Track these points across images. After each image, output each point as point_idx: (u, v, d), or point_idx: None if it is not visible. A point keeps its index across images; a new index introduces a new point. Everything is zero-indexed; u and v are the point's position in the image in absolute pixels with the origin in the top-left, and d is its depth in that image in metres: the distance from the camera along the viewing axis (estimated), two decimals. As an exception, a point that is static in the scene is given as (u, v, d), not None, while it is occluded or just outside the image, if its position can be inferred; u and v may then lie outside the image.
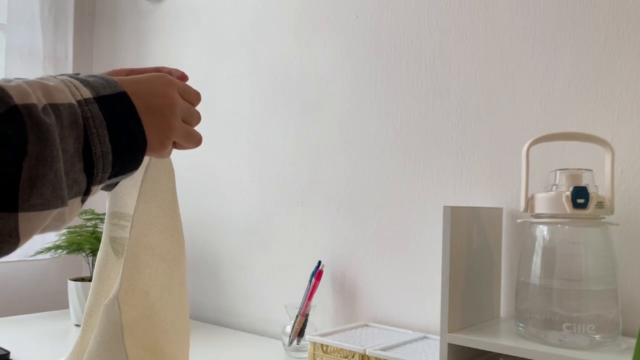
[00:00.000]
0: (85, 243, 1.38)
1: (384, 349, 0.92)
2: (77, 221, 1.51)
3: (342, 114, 1.23)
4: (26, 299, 1.70)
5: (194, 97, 0.58)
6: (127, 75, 0.58)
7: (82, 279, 1.41)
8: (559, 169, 0.80)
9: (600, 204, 0.76)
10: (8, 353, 1.08)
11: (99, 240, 1.38)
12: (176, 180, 0.70)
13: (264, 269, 1.36)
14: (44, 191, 0.39)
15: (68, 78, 0.46)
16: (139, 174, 0.65)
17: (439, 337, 0.79)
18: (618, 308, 0.76)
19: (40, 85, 0.41)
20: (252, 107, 1.41)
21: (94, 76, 0.48)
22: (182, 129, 0.55)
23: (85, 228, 1.44)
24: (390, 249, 1.14)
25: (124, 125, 0.47)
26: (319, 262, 1.17)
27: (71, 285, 1.37)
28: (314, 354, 1.00)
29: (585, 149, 0.90)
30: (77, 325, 1.37)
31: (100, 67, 1.85)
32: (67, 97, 0.43)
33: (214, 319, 1.45)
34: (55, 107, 0.41)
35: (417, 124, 1.11)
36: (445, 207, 0.80)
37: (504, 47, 1.01)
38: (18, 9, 1.64)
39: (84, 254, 1.42)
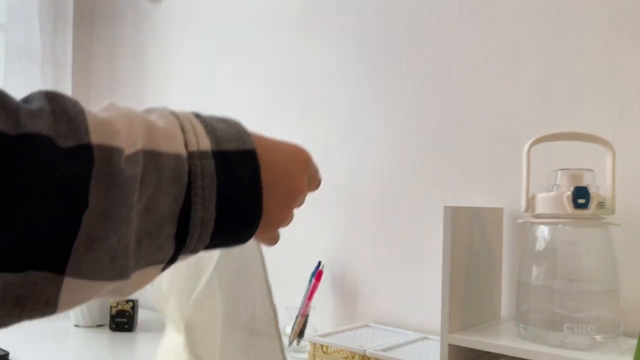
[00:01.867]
0: (84, 243, 1.37)
1: (384, 350, 0.91)
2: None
3: (342, 114, 1.23)
4: (25, 299, 1.69)
5: (315, 186, 0.47)
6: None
7: (82, 280, 1.40)
8: (560, 169, 0.80)
9: (601, 204, 0.75)
10: (7, 354, 1.08)
11: (98, 240, 1.38)
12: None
13: (264, 270, 1.35)
14: (100, 257, 0.30)
15: (193, 118, 0.37)
16: None
17: (439, 338, 0.79)
18: (619, 308, 0.76)
19: (146, 125, 0.33)
20: (252, 107, 1.41)
21: (225, 121, 0.39)
22: (291, 216, 0.44)
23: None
24: (390, 249, 1.14)
25: (240, 192, 0.37)
26: (319, 262, 1.16)
27: (70, 285, 1.37)
28: (314, 354, 0.99)
29: (586, 149, 0.90)
30: (77, 326, 1.37)
31: (100, 67, 1.85)
32: (175, 146, 0.34)
33: (214, 319, 1.45)
34: (156, 157, 0.33)
35: (417, 124, 1.11)
36: (445, 207, 0.79)
37: (504, 47, 1.00)
38: (17, 9, 1.64)
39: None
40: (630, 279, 0.85)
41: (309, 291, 1.13)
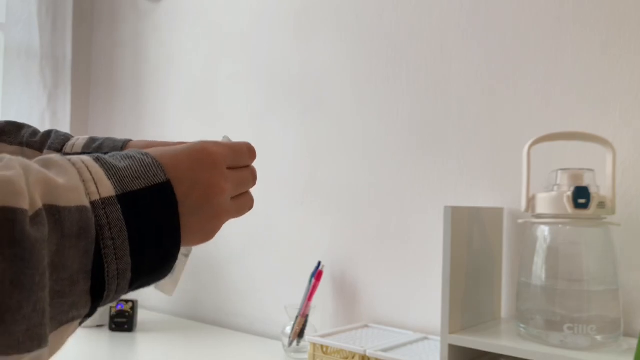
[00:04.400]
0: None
1: (384, 350, 0.91)
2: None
3: (342, 114, 1.23)
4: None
5: (247, 159, 0.47)
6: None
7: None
8: (560, 169, 0.80)
9: (601, 204, 0.75)
10: (6, 354, 1.07)
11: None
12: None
13: (264, 269, 1.35)
14: (14, 329, 0.27)
15: (91, 162, 0.35)
16: None
17: (439, 338, 0.79)
18: (619, 309, 0.76)
19: (43, 179, 0.31)
20: (252, 107, 1.41)
21: (130, 156, 0.37)
22: (233, 210, 0.45)
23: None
24: (390, 249, 1.13)
25: (155, 232, 0.36)
26: (319, 263, 1.16)
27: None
28: (314, 354, 0.99)
29: (586, 148, 0.90)
30: (76, 326, 1.36)
31: (99, 66, 1.85)
32: (77, 199, 0.32)
33: (214, 319, 1.45)
34: (55, 212, 0.30)
35: (417, 124, 1.11)
36: (445, 207, 0.79)
37: (504, 47, 1.00)
38: (16, 8, 1.64)
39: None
40: (631, 278, 0.85)
41: (309, 291, 1.13)
